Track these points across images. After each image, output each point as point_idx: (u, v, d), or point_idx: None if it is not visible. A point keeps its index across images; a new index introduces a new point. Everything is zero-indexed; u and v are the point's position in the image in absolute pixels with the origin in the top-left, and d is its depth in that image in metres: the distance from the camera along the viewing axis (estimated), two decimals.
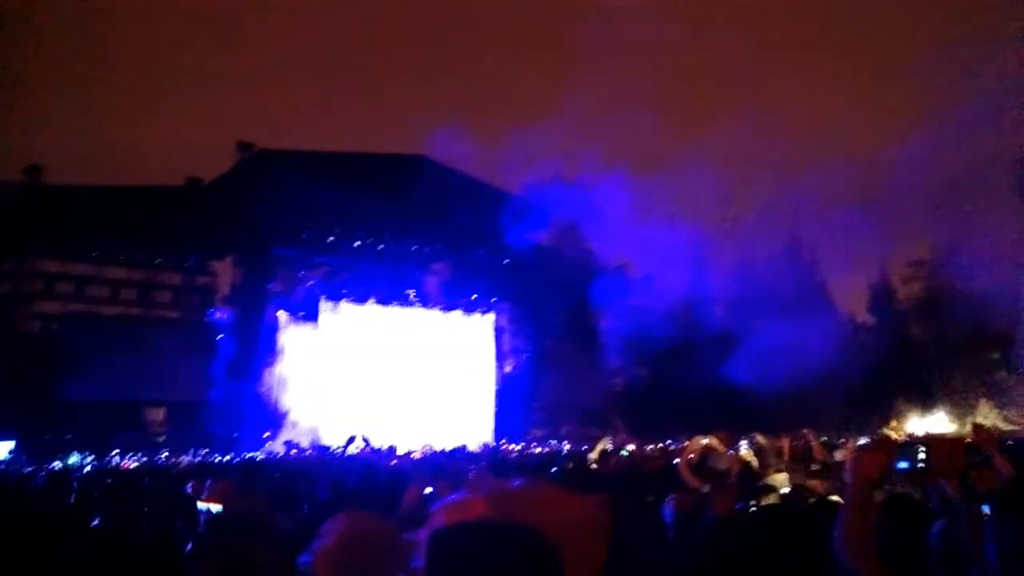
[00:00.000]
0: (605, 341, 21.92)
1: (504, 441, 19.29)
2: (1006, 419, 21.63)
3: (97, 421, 21.11)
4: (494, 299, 24.68)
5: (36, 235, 21.90)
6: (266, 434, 20.12)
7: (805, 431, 8.02)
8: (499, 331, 24.86)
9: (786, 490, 4.86)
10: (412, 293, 23.43)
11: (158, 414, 22.83)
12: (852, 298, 29.54)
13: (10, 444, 18.78)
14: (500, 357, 24.64)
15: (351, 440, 14.97)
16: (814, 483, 5.17)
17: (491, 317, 24.73)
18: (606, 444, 10.84)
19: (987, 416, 21.59)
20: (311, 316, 21.87)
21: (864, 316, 29.71)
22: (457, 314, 24.10)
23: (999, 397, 23.18)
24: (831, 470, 5.75)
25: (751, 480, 5.27)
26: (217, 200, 21.33)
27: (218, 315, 22.80)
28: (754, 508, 4.06)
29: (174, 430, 22.06)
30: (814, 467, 5.98)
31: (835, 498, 3.86)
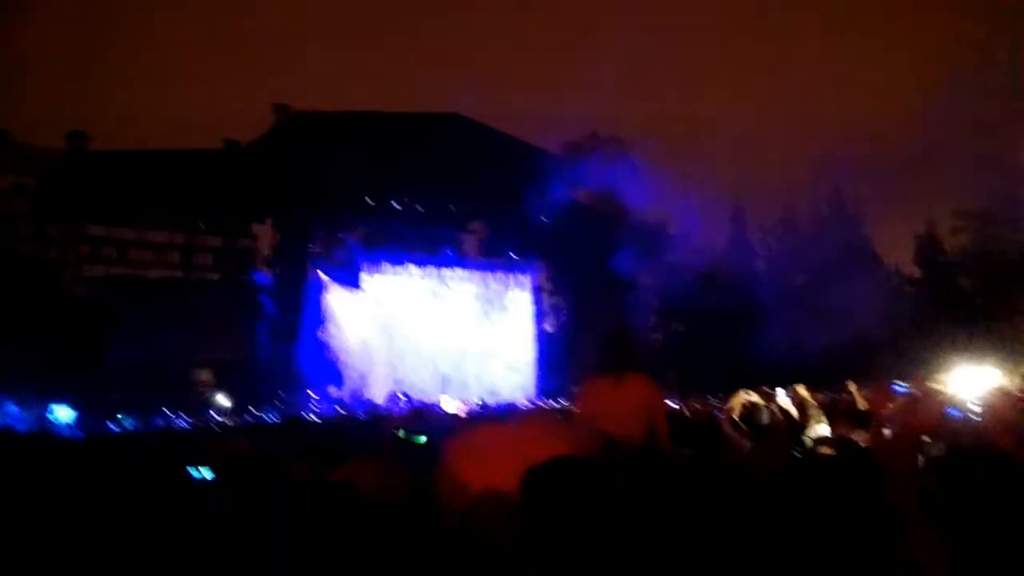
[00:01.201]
0: (644, 298, 21.82)
1: (546, 399, 19.38)
2: None
3: (145, 382, 21.58)
4: (532, 258, 24.61)
5: (81, 200, 22.28)
6: (311, 393, 20.42)
7: (848, 383, 7.89)
8: (537, 290, 24.83)
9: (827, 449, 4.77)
10: (450, 252, 23.46)
11: (205, 375, 23.24)
12: (898, 251, 28.93)
13: (68, 410, 19.22)
14: (539, 316, 24.63)
15: (394, 398, 15.20)
16: (857, 434, 5.08)
17: (529, 276, 24.70)
18: None
19: None
20: (351, 277, 22.03)
21: (911, 269, 29.12)
22: (495, 273, 24.10)
23: None
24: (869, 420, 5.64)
25: (797, 433, 5.19)
26: (255, 162, 21.44)
27: (259, 277, 23.08)
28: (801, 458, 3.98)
29: (221, 390, 22.46)
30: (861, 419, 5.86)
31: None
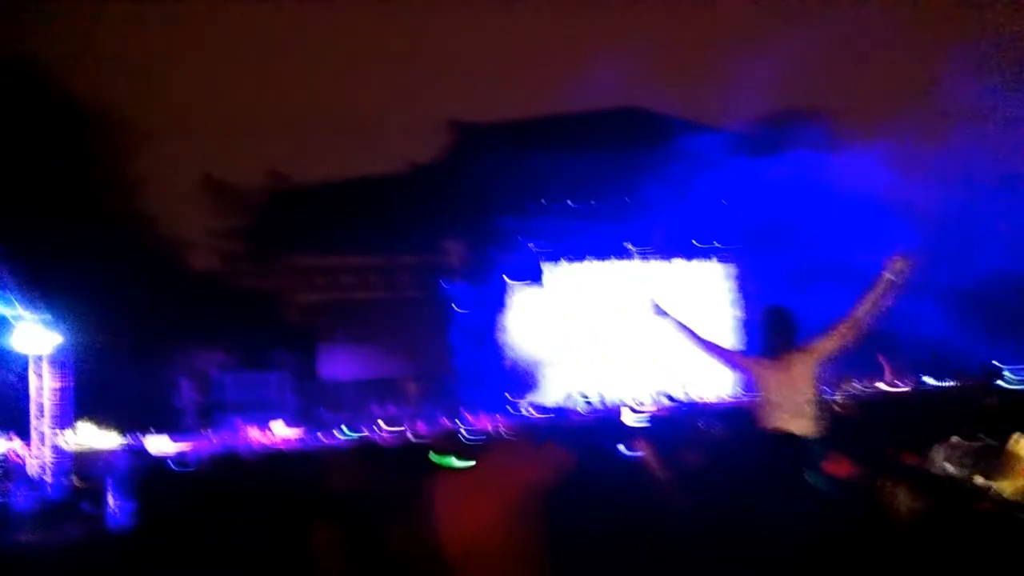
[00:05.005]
0: (845, 279, 20.27)
1: (742, 393, 18.48)
2: None
3: (359, 399, 23.03)
4: (721, 244, 23.58)
5: (289, 234, 24.17)
6: (508, 396, 20.85)
7: None
8: (730, 277, 23.73)
9: None
10: (633, 246, 22.99)
11: (411, 387, 24.36)
12: None
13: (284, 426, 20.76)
14: (734, 305, 23.49)
15: (570, 398, 15.08)
16: None
17: (719, 264, 23.66)
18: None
19: None
20: (536, 280, 22.31)
21: None
22: (683, 263, 23.33)
23: None
24: None
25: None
26: (438, 181, 22.32)
27: (452, 289, 23.90)
28: None
29: (426, 400, 23.49)
30: None
31: None
